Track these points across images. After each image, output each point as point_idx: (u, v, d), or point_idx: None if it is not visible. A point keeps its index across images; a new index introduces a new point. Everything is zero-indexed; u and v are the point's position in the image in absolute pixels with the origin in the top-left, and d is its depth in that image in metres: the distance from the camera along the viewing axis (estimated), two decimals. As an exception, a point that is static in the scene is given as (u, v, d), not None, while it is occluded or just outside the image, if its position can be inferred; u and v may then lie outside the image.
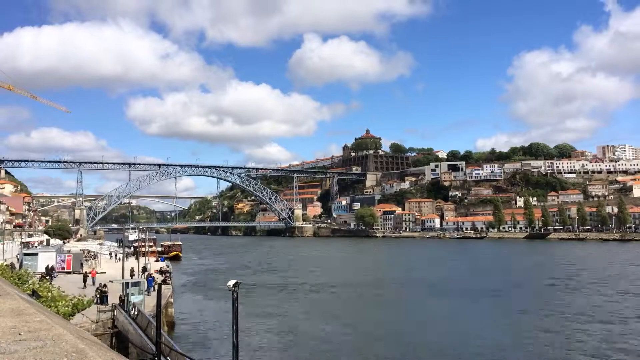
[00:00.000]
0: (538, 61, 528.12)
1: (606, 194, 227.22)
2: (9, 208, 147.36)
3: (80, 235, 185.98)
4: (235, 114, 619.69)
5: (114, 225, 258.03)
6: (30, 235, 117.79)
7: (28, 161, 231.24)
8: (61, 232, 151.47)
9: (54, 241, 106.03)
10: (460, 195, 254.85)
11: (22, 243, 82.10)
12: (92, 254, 66.15)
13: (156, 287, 23.47)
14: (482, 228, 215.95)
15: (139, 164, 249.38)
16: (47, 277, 35.67)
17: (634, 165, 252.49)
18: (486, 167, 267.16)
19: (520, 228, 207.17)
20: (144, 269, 46.86)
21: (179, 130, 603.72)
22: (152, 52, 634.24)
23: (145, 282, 33.08)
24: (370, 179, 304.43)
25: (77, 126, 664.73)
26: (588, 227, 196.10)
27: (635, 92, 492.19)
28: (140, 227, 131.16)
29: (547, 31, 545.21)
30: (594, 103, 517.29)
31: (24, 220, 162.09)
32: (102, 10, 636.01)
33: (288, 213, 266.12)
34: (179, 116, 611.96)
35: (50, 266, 42.75)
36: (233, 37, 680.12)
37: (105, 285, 29.59)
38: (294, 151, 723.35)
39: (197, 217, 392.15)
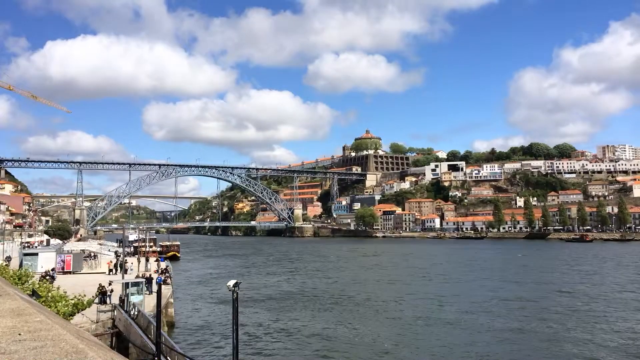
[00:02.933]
0: (530, 76, 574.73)
1: (606, 194, 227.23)
2: (9, 208, 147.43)
3: (81, 235, 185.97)
4: (253, 119, 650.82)
5: (114, 225, 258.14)
6: (30, 235, 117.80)
7: (28, 161, 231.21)
8: (61, 232, 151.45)
9: (54, 241, 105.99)
10: (460, 195, 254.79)
11: (22, 243, 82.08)
12: (92, 254, 66.11)
13: (156, 286, 23.52)
14: (482, 228, 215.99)
15: (139, 164, 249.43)
16: (48, 278, 35.60)
17: (634, 165, 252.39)
18: (486, 167, 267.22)
19: (520, 228, 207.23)
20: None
21: (196, 136, 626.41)
22: (179, 66, 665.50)
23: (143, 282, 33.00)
24: (370, 179, 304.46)
25: (99, 131, 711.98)
26: (588, 227, 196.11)
27: (622, 102, 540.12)
28: (140, 227, 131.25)
29: (536, 50, 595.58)
30: (585, 111, 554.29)
31: (24, 220, 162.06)
32: (132, 27, 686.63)
33: (288, 213, 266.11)
34: (195, 122, 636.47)
35: (50, 269, 42.67)
36: (256, 55, 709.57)
37: (103, 287, 29.57)
38: (302, 154, 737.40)
39: (197, 217, 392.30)
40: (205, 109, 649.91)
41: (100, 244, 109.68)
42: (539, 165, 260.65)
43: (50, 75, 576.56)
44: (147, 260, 55.92)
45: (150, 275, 40.61)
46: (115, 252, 71.57)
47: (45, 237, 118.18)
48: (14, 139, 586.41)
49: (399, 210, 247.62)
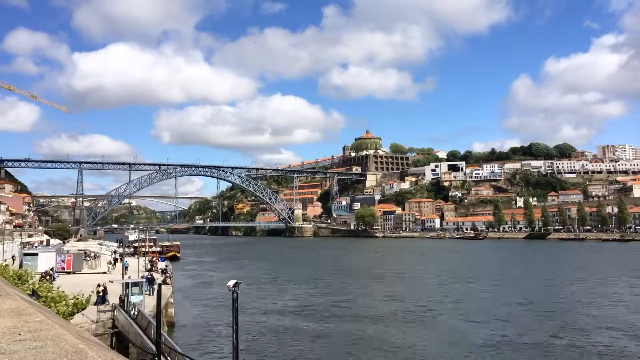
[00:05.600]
0: (525, 84, 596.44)
1: (606, 194, 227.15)
2: (9, 208, 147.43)
3: (80, 235, 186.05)
4: (268, 124, 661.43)
5: (114, 225, 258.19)
6: (30, 236, 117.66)
7: (29, 161, 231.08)
8: (61, 232, 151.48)
9: (54, 241, 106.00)
10: (460, 195, 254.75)
11: (22, 243, 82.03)
12: (93, 254, 66.08)
13: (155, 286, 23.50)
14: (482, 228, 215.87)
15: (139, 164, 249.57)
16: (48, 278, 35.57)
17: (634, 165, 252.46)
18: (486, 167, 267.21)
19: (520, 228, 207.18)
20: (152, 266, 48.34)
21: (211, 141, 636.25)
22: (198, 74, 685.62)
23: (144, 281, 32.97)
24: (370, 179, 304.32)
25: (117, 135, 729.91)
26: (588, 227, 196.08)
27: (616, 109, 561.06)
28: (140, 227, 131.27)
29: (531, 62, 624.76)
30: (580, 117, 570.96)
31: (24, 220, 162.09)
32: (157, 42, 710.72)
33: (288, 213, 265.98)
34: (211, 128, 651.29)
35: (50, 268, 42.65)
36: (274, 68, 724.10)
37: (104, 288, 29.53)
38: (306, 156, 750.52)
39: (197, 218, 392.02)
40: (221, 115, 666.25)
41: (100, 244, 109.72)
42: (539, 165, 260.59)
43: (74, 85, 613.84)
44: (150, 261, 55.91)
45: (151, 275, 40.58)
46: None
47: (45, 237, 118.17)
48: (36, 143, 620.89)
49: (399, 210, 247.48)
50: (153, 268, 50.30)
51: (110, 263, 54.21)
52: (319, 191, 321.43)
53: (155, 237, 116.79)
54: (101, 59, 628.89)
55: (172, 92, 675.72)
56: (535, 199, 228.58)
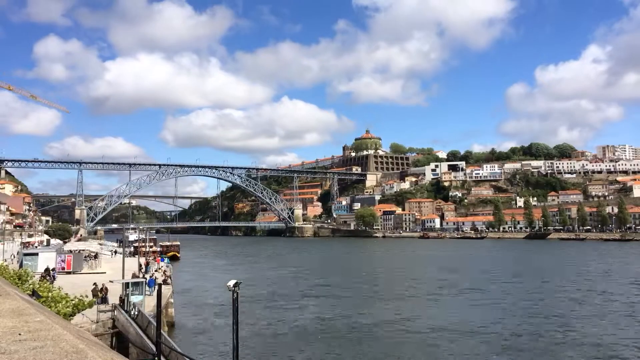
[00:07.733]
0: (522, 90, 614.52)
1: (606, 194, 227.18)
2: (9, 208, 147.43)
3: (81, 235, 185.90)
4: (279, 128, 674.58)
5: (114, 225, 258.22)
6: (30, 236, 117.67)
7: (28, 161, 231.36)
8: (61, 232, 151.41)
9: (54, 241, 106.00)
10: (460, 195, 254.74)
11: (22, 243, 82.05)
12: (93, 254, 66.03)
13: (156, 287, 23.51)
14: (482, 228, 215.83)
15: (139, 164, 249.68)
16: (48, 278, 35.52)
17: (634, 165, 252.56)
18: (486, 167, 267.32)
19: (521, 228, 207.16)
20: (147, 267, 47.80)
21: (217, 143, 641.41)
22: (214, 81, 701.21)
23: (145, 282, 32.95)
24: (371, 179, 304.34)
25: (133, 139, 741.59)
26: (588, 227, 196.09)
27: (612, 114, 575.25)
28: (140, 227, 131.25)
29: (526, 68, 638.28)
30: (577, 121, 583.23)
31: (24, 220, 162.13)
32: (172, 47, 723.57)
33: (288, 213, 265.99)
34: (222, 130, 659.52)
35: (51, 268, 42.60)
36: (287, 75, 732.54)
37: (104, 288, 29.53)
38: (309, 157, 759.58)
39: (197, 218, 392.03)
40: (233, 119, 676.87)
41: (100, 244, 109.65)
42: (539, 165, 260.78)
43: (97, 90, 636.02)
44: (146, 263, 55.83)
45: (153, 274, 40.56)
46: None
47: (45, 237, 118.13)
48: (49, 145, 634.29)
49: (399, 210, 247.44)
50: (148, 269, 49.56)
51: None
52: (319, 191, 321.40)
53: (155, 237, 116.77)
54: (124, 67, 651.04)
55: (189, 98, 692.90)
56: (535, 199, 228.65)
